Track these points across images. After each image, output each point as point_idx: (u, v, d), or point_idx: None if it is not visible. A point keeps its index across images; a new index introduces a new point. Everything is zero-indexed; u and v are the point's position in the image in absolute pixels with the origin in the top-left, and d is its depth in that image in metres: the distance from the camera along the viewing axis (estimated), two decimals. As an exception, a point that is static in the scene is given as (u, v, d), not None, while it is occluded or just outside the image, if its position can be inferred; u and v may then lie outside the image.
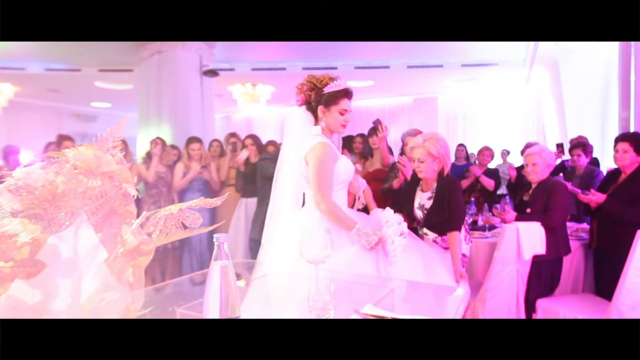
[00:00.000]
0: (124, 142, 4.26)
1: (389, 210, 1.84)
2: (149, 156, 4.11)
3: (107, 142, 0.77)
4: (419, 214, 2.34)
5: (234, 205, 4.05)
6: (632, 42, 3.89)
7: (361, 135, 3.98)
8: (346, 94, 1.87)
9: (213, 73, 6.36)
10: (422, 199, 2.33)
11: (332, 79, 1.87)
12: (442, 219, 2.19)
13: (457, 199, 2.20)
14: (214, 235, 0.86)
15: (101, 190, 0.73)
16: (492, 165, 6.31)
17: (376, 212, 1.92)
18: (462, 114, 9.44)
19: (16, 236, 0.65)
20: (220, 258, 0.84)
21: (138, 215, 0.86)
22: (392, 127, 9.86)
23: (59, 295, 0.69)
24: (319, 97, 1.85)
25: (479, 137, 8.64)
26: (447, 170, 2.25)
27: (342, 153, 2.13)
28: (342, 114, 1.86)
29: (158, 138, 4.21)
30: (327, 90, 1.84)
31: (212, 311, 0.84)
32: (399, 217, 1.80)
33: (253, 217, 3.17)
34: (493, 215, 3.49)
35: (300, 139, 1.87)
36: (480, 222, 3.41)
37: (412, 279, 1.71)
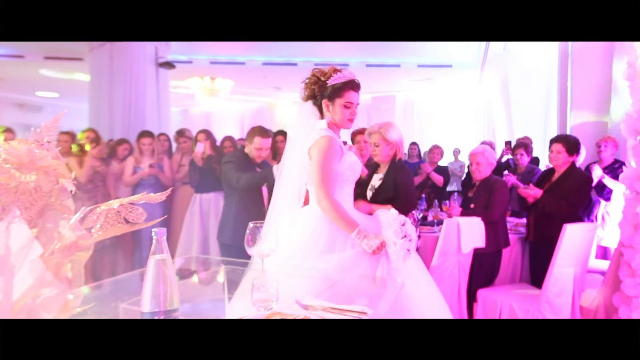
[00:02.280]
0: (71, 134, 4.06)
1: (391, 211, 1.69)
2: (81, 150, 3.94)
3: (42, 135, 0.77)
4: (369, 194, 2.47)
5: (188, 202, 3.99)
6: (570, 44, 4.17)
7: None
8: (352, 85, 1.75)
9: (169, 65, 6.19)
10: (375, 181, 2.48)
11: (336, 71, 1.75)
12: (387, 197, 2.32)
13: (405, 183, 2.35)
14: (152, 230, 0.87)
15: (36, 185, 0.73)
16: (445, 162, 6.58)
17: (379, 212, 1.77)
18: (418, 112, 9.79)
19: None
20: (159, 252, 0.86)
21: (76, 211, 0.86)
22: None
23: None
24: (323, 91, 1.75)
25: (433, 135, 8.99)
26: (399, 156, 2.43)
27: (349, 149, 2.13)
28: (347, 107, 1.74)
29: (91, 131, 4.02)
30: (330, 83, 1.73)
31: (146, 305, 0.85)
32: (402, 218, 1.65)
33: (220, 221, 3.06)
34: (442, 211, 3.66)
35: (305, 134, 1.77)
36: (429, 218, 3.57)
37: (412, 288, 1.60)
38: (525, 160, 4.12)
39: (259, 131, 2.90)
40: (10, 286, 0.76)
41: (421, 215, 3.46)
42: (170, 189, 1.03)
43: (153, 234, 0.87)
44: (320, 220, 1.67)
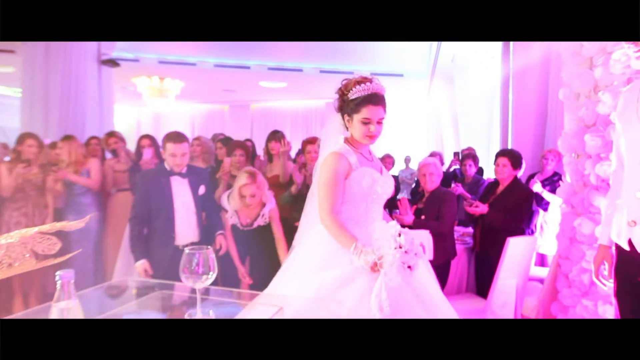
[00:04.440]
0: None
1: (390, 222, 1.53)
2: (17, 155, 3.60)
3: None
4: None
5: (126, 209, 3.73)
6: (511, 60, 4.39)
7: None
8: (371, 99, 1.61)
9: (113, 63, 5.84)
10: None
11: (358, 83, 1.63)
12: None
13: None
14: (57, 273, 0.75)
15: None
16: (395, 170, 6.70)
17: (375, 225, 1.67)
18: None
19: None
20: (63, 299, 0.74)
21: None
22: (304, 130, 10.01)
23: None
24: (345, 105, 1.66)
25: (383, 142, 9.15)
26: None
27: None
28: (364, 123, 1.62)
29: (29, 137, 3.69)
30: (351, 96, 1.63)
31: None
32: (397, 228, 1.47)
33: None
34: (392, 219, 3.70)
35: (328, 149, 1.69)
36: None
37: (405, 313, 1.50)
38: (472, 170, 4.28)
39: (172, 137, 2.58)
40: None
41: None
42: (88, 216, 0.91)
43: (57, 277, 0.74)
44: (322, 236, 1.63)
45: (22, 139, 3.71)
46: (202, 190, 2.67)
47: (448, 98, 7.64)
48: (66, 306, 0.73)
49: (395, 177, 4.93)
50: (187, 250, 1.12)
